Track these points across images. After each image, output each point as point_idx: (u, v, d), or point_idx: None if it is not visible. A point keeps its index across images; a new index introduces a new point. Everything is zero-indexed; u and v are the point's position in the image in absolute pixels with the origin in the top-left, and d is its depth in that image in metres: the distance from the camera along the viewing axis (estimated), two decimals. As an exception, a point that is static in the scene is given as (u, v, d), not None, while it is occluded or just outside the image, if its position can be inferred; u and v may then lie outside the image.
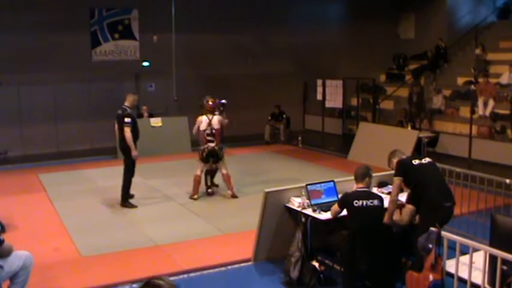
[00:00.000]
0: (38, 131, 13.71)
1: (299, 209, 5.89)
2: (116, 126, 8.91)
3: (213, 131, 8.90)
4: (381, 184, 6.55)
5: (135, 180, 10.20)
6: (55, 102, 13.95)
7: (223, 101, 9.35)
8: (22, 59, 13.20)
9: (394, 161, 5.64)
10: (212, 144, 8.92)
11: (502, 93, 13.34)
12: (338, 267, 5.56)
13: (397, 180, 5.39)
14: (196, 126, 9.09)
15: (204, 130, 8.94)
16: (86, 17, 14.23)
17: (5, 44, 13.06)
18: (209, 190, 9.53)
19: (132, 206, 8.79)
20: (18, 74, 13.16)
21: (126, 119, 8.55)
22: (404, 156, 5.68)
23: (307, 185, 5.99)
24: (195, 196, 9.11)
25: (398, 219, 5.42)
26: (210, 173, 9.62)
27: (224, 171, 9.10)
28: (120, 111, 8.77)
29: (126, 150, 8.69)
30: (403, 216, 5.41)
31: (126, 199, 8.82)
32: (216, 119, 8.93)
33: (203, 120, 8.96)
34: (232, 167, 10.88)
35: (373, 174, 6.57)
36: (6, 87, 13.17)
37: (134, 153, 8.60)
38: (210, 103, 8.98)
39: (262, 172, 11.11)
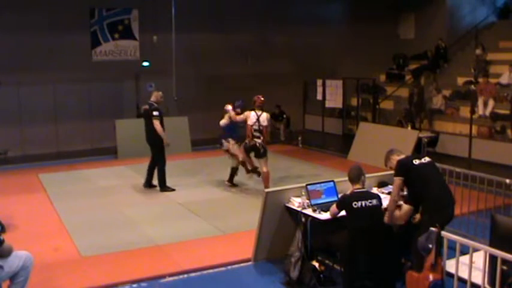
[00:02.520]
0: (38, 131, 13.70)
1: (299, 209, 5.88)
2: (144, 122, 9.60)
3: (261, 127, 9.08)
4: (381, 184, 6.55)
5: (136, 181, 10.24)
6: (55, 102, 13.95)
7: (240, 102, 9.81)
8: (22, 59, 13.19)
9: (393, 158, 5.61)
10: (258, 140, 9.10)
11: (502, 93, 13.34)
12: (338, 267, 5.56)
13: (397, 180, 5.37)
14: (240, 118, 9.28)
15: (252, 125, 9.11)
16: (86, 17, 14.22)
17: (5, 44, 13.06)
18: (228, 183, 9.89)
19: (171, 189, 9.57)
20: (18, 74, 13.15)
21: (155, 112, 9.32)
22: (402, 155, 5.66)
23: (307, 185, 5.99)
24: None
25: (397, 216, 5.40)
26: (234, 171, 9.92)
27: (265, 169, 9.20)
28: (147, 107, 9.55)
29: (155, 142, 9.40)
30: (401, 215, 5.39)
31: (164, 184, 9.59)
32: (264, 116, 9.12)
33: (251, 116, 9.13)
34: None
35: (373, 174, 6.61)
36: (6, 87, 13.17)
37: (167, 141, 9.33)
38: (262, 98, 9.20)
39: (262, 172, 11.08)
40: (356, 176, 5.38)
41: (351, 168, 5.52)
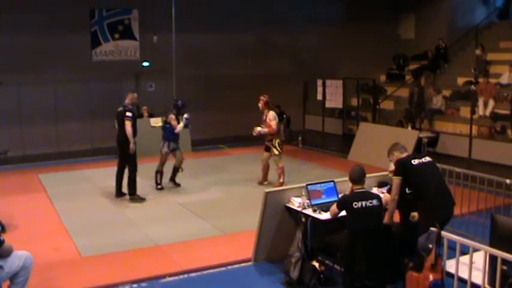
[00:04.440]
0: (38, 131, 13.70)
1: (299, 209, 5.88)
2: (116, 123, 9.20)
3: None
4: (381, 184, 6.55)
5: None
6: (55, 102, 13.96)
7: (180, 102, 9.84)
8: (22, 59, 13.20)
9: (395, 154, 5.61)
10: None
11: (502, 93, 13.34)
12: (338, 267, 5.56)
13: (396, 179, 5.39)
14: (275, 121, 9.60)
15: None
16: (86, 17, 14.23)
17: (5, 44, 13.06)
18: (159, 187, 9.77)
19: (141, 199, 9.04)
20: (18, 74, 13.16)
21: (127, 113, 8.88)
22: (406, 154, 5.66)
23: (307, 185, 5.99)
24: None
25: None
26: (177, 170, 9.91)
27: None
28: (120, 108, 9.09)
29: (125, 144, 8.92)
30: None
31: (135, 191, 9.06)
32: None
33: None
34: (232, 167, 10.89)
35: (373, 174, 6.61)
36: (6, 87, 13.17)
37: (131, 145, 8.82)
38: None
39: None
40: (359, 177, 5.37)
41: (354, 169, 5.48)
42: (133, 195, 9.08)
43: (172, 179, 9.96)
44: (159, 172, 9.73)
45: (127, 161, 9.06)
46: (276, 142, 9.61)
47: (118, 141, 9.16)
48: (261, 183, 9.92)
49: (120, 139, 9.04)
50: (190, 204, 8.85)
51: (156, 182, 9.73)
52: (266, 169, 9.94)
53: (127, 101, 9.15)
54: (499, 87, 13.56)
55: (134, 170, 9.04)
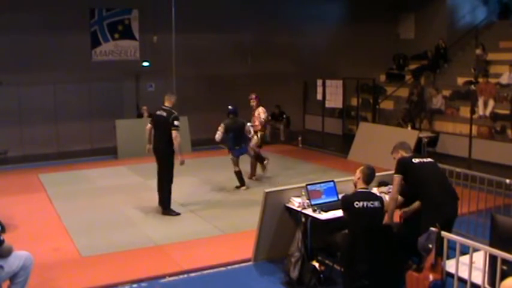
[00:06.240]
0: (38, 131, 13.70)
1: (299, 209, 5.88)
2: (151, 126, 8.29)
3: None
4: (381, 184, 6.55)
5: (136, 181, 10.22)
6: (55, 102, 13.95)
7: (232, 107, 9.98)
8: (22, 59, 13.20)
9: (400, 152, 5.62)
10: None
11: (502, 93, 13.34)
12: (338, 267, 5.56)
13: (397, 178, 5.40)
14: (265, 115, 10.54)
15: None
16: (86, 17, 14.23)
17: (5, 44, 13.06)
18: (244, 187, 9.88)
19: (176, 213, 8.22)
20: (18, 74, 13.15)
21: (176, 122, 7.90)
22: (410, 154, 5.66)
23: (307, 185, 5.99)
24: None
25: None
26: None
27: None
28: (162, 113, 8.06)
29: (166, 153, 8.03)
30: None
31: (169, 205, 8.25)
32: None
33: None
34: (232, 167, 10.87)
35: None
36: (6, 87, 13.17)
37: (182, 158, 7.98)
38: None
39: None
40: (370, 180, 5.35)
41: (368, 167, 5.38)
42: (167, 209, 8.24)
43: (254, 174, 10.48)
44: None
45: (165, 172, 8.18)
46: (259, 133, 10.35)
47: (156, 149, 8.16)
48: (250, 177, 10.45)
49: (161, 147, 8.07)
50: (190, 204, 8.85)
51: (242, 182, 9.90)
52: (255, 165, 10.56)
53: (167, 103, 8.13)
54: (499, 87, 13.57)
55: (170, 181, 8.20)
